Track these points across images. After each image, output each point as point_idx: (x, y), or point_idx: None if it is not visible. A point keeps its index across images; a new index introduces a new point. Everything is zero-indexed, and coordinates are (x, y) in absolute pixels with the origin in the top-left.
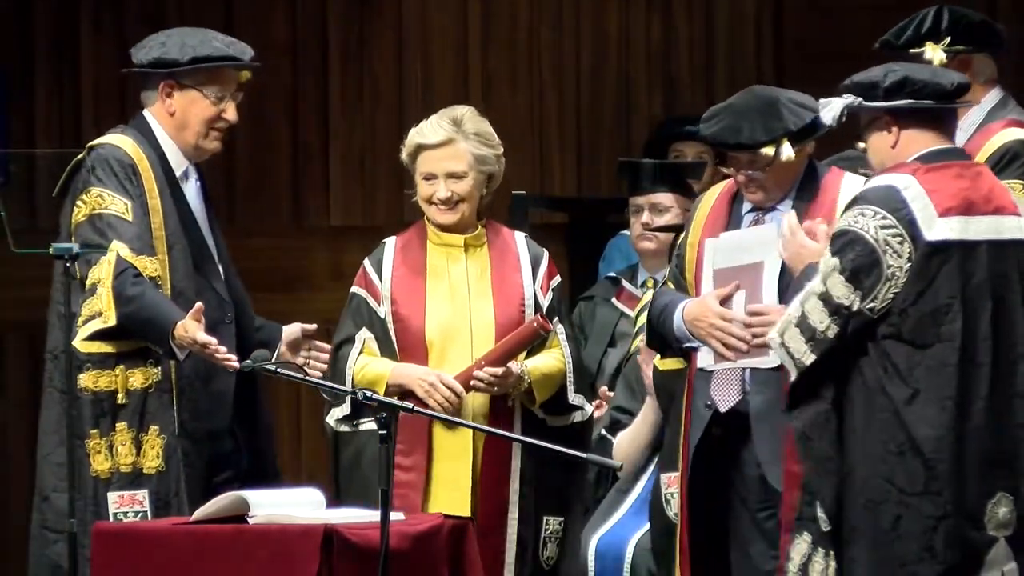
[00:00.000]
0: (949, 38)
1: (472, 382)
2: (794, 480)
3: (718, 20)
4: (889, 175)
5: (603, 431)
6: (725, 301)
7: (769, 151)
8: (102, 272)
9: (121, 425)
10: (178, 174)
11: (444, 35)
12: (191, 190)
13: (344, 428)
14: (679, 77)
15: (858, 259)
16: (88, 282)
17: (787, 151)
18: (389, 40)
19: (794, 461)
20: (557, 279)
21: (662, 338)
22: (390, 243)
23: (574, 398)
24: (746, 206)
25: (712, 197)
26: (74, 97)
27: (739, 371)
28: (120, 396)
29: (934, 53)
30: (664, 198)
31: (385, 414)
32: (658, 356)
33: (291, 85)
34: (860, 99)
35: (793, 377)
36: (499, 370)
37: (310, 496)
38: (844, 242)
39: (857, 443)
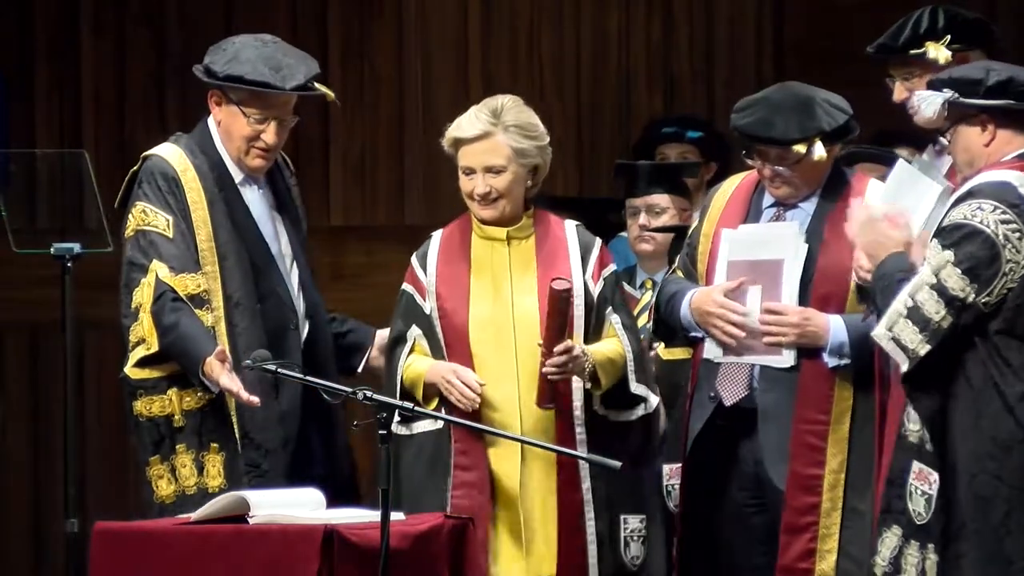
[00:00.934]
0: (948, 37)
1: (550, 379)
2: (798, 481)
3: (718, 20)
4: (998, 171)
5: None
6: (732, 294)
7: (801, 149)
8: (143, 296)
9: (181, 447)
10: (237, 180)
11: (444, 35)
12: (254, 195)
13: (402, 431)
14: (679, 77)
15: (978, 252)
16: (132, 305)
17: (819, 150)
18: (389, 40)
19: (802, 463)
20: (611, 268)
21: (668, 327)
22: (436, 236)
23: (636, 387)
24: (767, 200)
25: (731, 188)
26: (74, 97)
27: (747, 366)
28: (177, 419)
29: (938, 52)
30: (660, 199)
31: (385, 414)
32: (662, 345)
33: None
34: (957, 94)
35: (904, 368)
36: (562, 357)
37: (310, 496)
38: (961, 235)
39: (962, 439)
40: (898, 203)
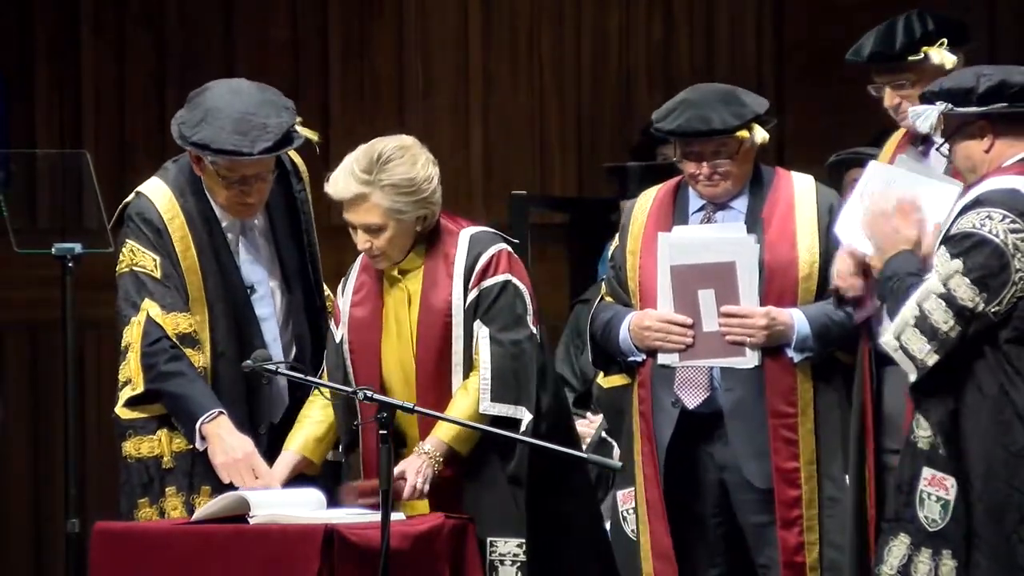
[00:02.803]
0: (945, 40)
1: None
2: (782, 475)
3: (719, 20)
4: (1005, 178)
5: (604, 434)
6: (681, 303)
7: (745, 134)
8: (132, 335)
9: (171, 490)
10: (223, 221)
11: (444, 34)
12: (238, 236)
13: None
14: (679, 77)
15: (987, 262)
16: (122, 343)
17: (762, 133)
18: (390, 39)
19: (782, 458)
20: (497, 278)
21: (606, 354)
22: (358, 261)
23: (488, 408)
24: (693, 204)
25: (648, 201)
26: (74, 97)
27: (705, 368)
28: (166, 460)
29: (943, 57)
30: None
31: (385, 414)
32: (602, 374)
33: (292, 84)
34: (951, 105)
35: (913, 378)
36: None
37: (311, 496)
38: (970, 244)
39: (975, 447)
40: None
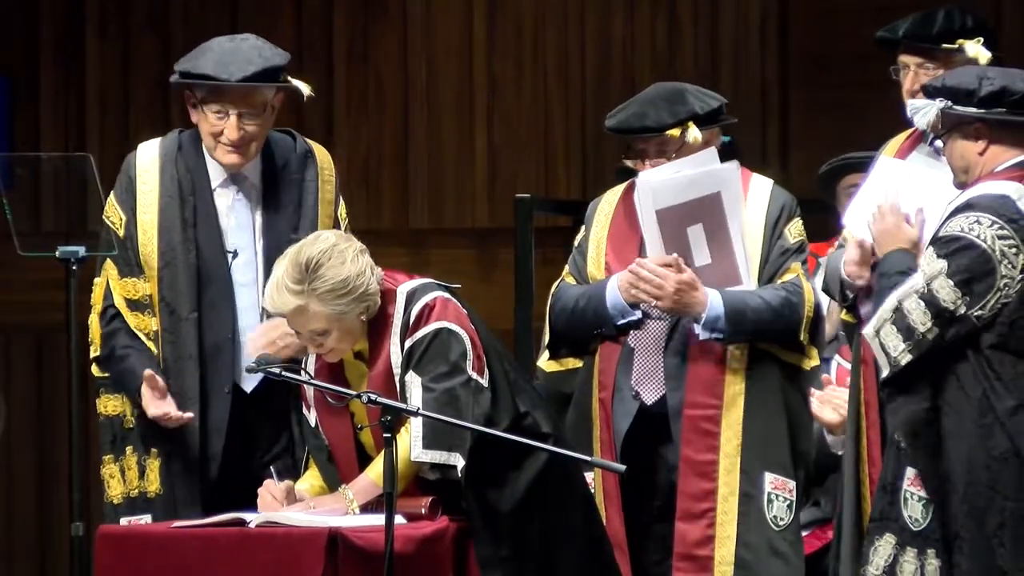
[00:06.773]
0: (981, 38)
1: None
2: (692, 467)
3: (723, 23)
4: (996, 183)
5: None
6: (671, 246)
7: (675, 133)
8: (96, 296)
9: (129, 448)
10: (216, 182)
11: (449, 37)
12: (232, 199)
13: None
14: (684, 79)
15: (972, 266)
16: (92, 298)
17: (694, 132)
18: (394, 42)
19: (695, 449)
20: (428, 328)
21: (564, 338)
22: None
23: (420, 455)
24: None
25: (615, 196)
26: (79, 100)
27: (660, 363)
28: (127, 420)
29: (978, 51)
30: None
31: (389, 417)
32: (545, 357)
33: None
34: (950, 103)
35: (884, 374)
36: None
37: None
38: (957, 247)
39: (956, 448)
40: (920, 198)
